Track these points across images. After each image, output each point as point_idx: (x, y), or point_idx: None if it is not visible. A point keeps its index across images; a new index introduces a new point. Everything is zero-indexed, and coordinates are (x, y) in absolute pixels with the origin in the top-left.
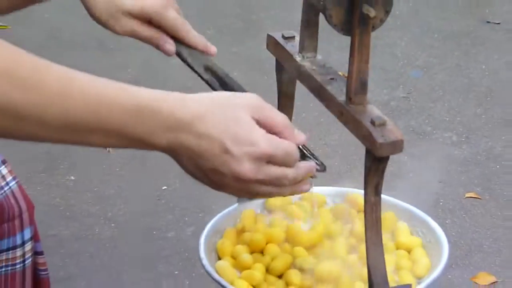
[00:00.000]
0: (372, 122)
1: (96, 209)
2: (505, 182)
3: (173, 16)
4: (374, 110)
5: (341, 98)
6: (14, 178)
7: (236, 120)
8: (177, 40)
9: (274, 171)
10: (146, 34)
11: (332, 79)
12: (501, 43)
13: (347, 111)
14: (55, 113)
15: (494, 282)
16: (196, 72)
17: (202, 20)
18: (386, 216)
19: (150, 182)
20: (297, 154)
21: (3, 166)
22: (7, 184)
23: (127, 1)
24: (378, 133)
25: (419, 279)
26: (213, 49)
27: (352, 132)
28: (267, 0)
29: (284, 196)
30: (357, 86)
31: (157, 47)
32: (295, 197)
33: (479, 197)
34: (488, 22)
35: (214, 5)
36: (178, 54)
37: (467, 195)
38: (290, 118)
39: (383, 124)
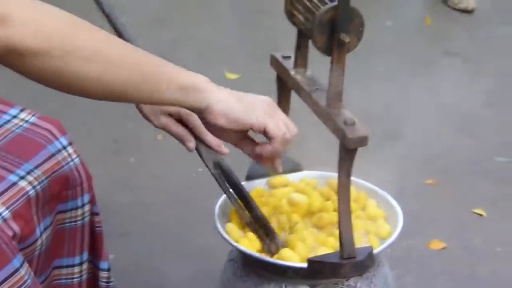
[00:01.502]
0: (345, 122)
1: (149, 183)
2: (455, 173)
3: (199, 121)
4: (346, 113)
5: (323, 103)
6: (77, 156)
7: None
8: (197, 138)
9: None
10: (176, 130)
11: (317, 89)
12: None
13: (327, 113)
14: (135, 88)
15: (444, 247)
16: (206, 166)
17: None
18: (360, 195)
19: (189, 165)
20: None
21: (70, 147)
22: (72, 160)
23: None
24: (349, 130)
25: (382, 239)
26: (224, 150)
27: (329, 129)
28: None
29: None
30: (334, 95)
31: (182, 142)
32: (293, 180)
33: (436, 183)
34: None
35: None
36: (197, 150)
37: (427, 181)
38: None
39: (353, 124)
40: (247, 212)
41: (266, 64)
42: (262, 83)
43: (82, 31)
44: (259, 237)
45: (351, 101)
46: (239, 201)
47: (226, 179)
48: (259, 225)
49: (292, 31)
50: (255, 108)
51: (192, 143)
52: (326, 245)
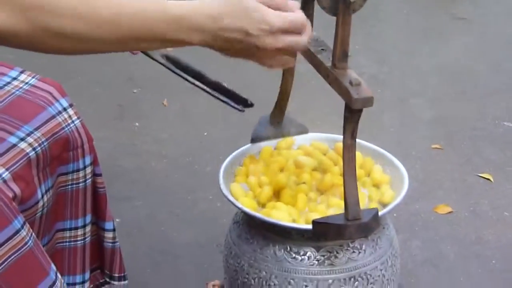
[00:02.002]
0: (350, 83)
1: (153, 148)
2: (461, 137)
3: None
4: (352, 74)
5: (328, 64)
6: (78, 118)
7: (246, 7)
8: None
9: (287, 38)
10: None
11: (322, 49)
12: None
13: (332, 74)
14: (111, 33)
15: (450, 212)
16: (154, 59)
17: None
18: (366, 160)
19: (194, 129)
20: (302, 19)
21: (70, 109)
22: (73, 122)
23: None
24: (354, 91)
25: (387, 205)
26: None
27: (335, 90)
28: None
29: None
30: (340, 55)
31: None
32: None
33: (442, 148)
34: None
35: None
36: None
37: (433, 146)
38: (292, 81)
39: (358, 84)
40: (206, 86)
41: None
42: None
43: None
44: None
45: (358, 65)
46: (194, 81)
47: (175, 65)
48: (223, 92)
49: None
50: (258, 60)
51: None
52: (332, 207)
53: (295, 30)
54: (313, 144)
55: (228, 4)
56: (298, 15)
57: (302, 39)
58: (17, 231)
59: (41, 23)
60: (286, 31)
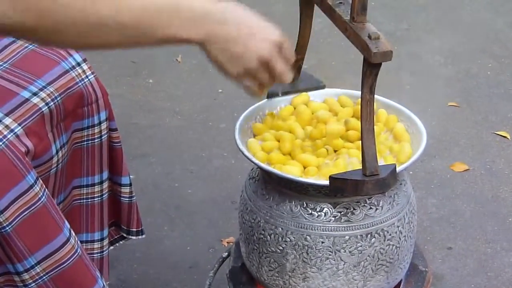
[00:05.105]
0: (369, 36)
1: (167, 104)
2: (478, 95)
3: None
4: (371, 28)
5: (346, 17)
6: (92, 73)
7: (257, 16)
8: None
9: (280, 61)
10: None
11: (340, 3)
12: None
13: (350, 28)
14: (111, 26)
15: (467, 170)
16: None
17: None
18: (390, 117)
19: (209, 86)
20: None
21: (84, 63)
22: (87, 77)
23: None
24: (373, 44)
25: (403, 162)
26: None
27: (353, 44)
28: None
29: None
30: (359, 8)
31: None
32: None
33: (458, 106)
34: None
35: None
36: None
37: (450, 103)
38: (309, 35)
39: (377, 38)
40: None
41: None
42: None
43: None
44: None
45: (373, 22)
46: None
47: None
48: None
49: None
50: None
51: None
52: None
53: (286, 55)
54: (340, 98)
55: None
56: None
57: (289, 72)
58: (31, 187)
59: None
60: (282, 47)
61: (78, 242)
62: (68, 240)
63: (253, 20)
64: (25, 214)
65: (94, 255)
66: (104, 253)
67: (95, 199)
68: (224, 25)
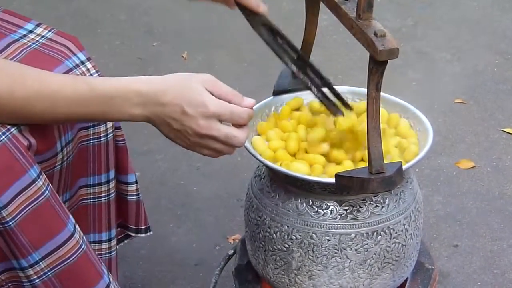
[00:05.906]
0: (375, 34)
1: None
2: (484, 92)
3: None
4: (377, 25)
5: (352, 15)
6: (97, 71)
7: (191, 89)
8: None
9: (224, 128)
10: None
11: (346, 0)
12: None
13: (356, 25)
14: (59, 112)
15: (473, 167)
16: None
17: None
18: (392, 116)
19: None
20: (244, 114)
21: (88, 62)
22: (91, 75)
23: None
24: (379, 42)
25: (409, 159)
26: (264, 7)
27: (359, 41)
28: None
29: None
30: (365, 5)
31: (225, 3)
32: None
33: (465, 102)
34: None
35: None
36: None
37: (456, 100)
38: (315, 31)
39: (383, 36)
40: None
41: None
42: None
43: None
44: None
45: (380, 19)
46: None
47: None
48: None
49: None
50: (191, 146)
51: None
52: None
53: (232, 121)
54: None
55: (175, 83)
56: (242, 110)
57: (240, 134)
58: (33, 181)
59: None
60: (222, 118)
61: (84, 237)
62: (72, 235)
63: (186, 97)
64: (29, 209)
65: (102, 256)
66: (112, 253)
67: (102, 198)
68: (157, 106)
